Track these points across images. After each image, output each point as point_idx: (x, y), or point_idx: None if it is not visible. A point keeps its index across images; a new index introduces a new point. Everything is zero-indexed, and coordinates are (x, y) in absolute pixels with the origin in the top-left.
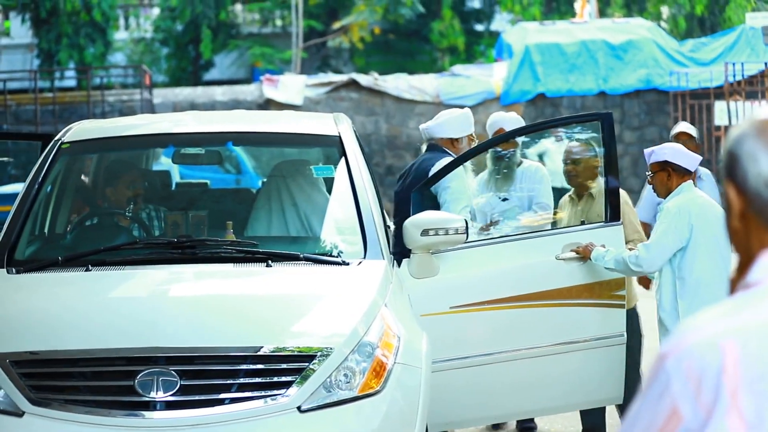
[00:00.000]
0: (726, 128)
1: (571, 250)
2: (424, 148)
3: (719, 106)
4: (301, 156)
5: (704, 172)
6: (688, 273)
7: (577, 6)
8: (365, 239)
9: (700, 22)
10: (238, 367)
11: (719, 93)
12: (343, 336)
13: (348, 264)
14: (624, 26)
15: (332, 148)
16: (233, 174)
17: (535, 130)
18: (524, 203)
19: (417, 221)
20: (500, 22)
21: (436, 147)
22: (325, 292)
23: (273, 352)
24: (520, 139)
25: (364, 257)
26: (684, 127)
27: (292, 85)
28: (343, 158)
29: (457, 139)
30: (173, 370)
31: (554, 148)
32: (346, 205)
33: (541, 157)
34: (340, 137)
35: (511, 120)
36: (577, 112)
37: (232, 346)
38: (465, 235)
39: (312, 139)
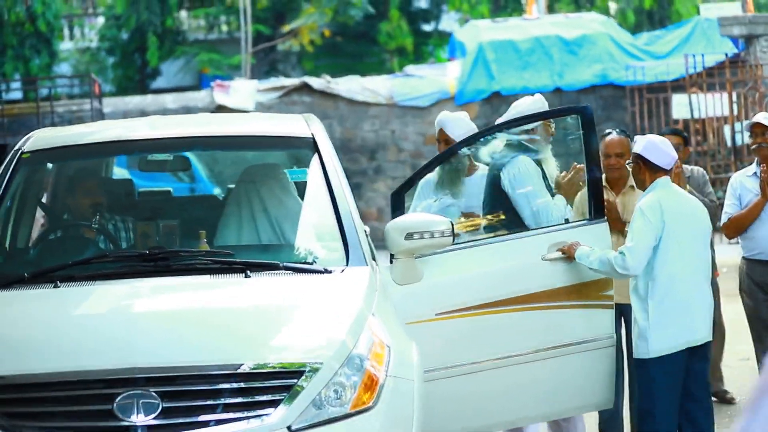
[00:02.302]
0: (686, 121)
1: (557, 250)
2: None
3: (677, 100)
4: (270, 159)
5: None
6: (658, 272)
7: (525, 3)
8: (347, 245)
9: (648, 16)
10: (223, 386)
11: (676, 86)
12: (331, 349)
13: (330, 272)
14: (577, 21)
15: (305, 150)
16: (186, 183)
17: (514, 125)
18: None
19: (400, 224)
20: (448, 21)
21: (512, 142)
22: (309, 303)
23: (258, 368)
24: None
25: (347, 264)
26: (760, 117)
27: (243, 91)
28: (318, 160)
29: (530, 130)
30: (154, 392)
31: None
32: (324, 210)
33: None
34: (313, 138)
35: (455, 120)
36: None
37: (216, 364)
38: (451, 237)
39: (285, 142)
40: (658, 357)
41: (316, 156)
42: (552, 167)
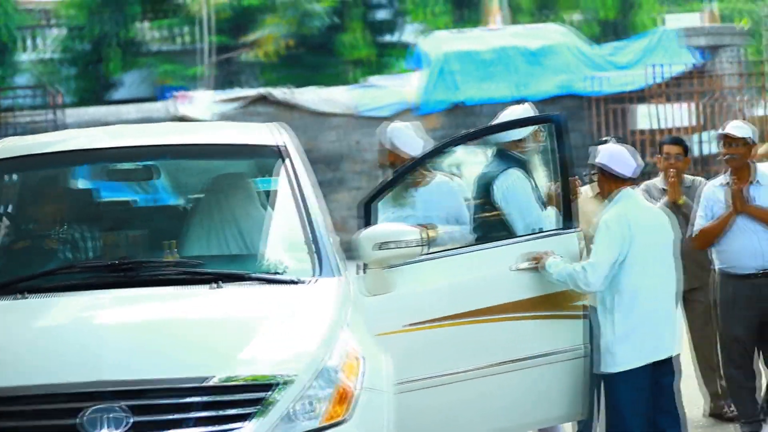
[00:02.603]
0: (651, 131)
1: (527, 260)
2: (489, 153)
3: (640, 110)
4: (238, 168)
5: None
6: (624, 285)
7: (487, 14)
8: (318, 255)
9: (609, 27)
10: (193, 400)
11: (638, 97)
12: (303, 362)
13: (301, 283)
14: (540, 32)
15: (275, 158)
16: (147, 193)
17: (485, 134)
18: (443, 220)
19: (370, 235)
20: (409, 33)
21: (503, 152)
22: (280, 314)
23: (227, 381)
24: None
25: (318, 275)
26: (730, 128)
27: (203, 101)
28: (288, 169)
29: (521, 140)
30: (122, 406)
31: (469, 159)
32: (294, 220)
33: (456, 168)
34: (284, 147)
35: (401, 130)
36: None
37: (185, 377)
38: (422, 247)
39: (254, 150)
40: (624, 371)
41: (286, 165)
42: (540, 176)
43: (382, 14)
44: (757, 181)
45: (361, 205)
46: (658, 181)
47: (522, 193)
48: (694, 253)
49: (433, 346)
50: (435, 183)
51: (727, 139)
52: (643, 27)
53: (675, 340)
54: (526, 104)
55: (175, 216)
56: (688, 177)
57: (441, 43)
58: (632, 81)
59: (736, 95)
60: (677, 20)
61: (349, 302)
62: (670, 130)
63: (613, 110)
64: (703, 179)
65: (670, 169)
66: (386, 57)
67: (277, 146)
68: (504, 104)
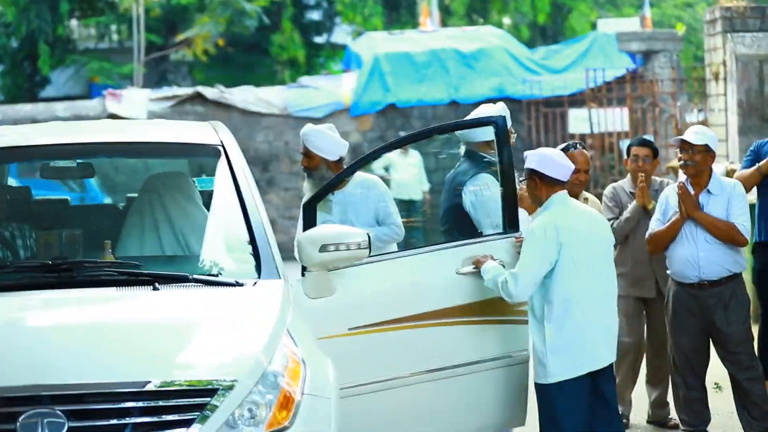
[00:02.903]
0: (583, 136)
1: (472, 263)
2: (462, 151)
3: (574, 114)
4: (175, 167)
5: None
6: (556, 295)
7: (419, 16)
8: (259, 257)
9: (542, 31)
10: (131, 405)
11: (573, 101)
12: (244, 366)
13: (242, 285)
14: (474, 34)
15: (214, 157)
16: (77, 192)
17: (425, 136)
18: (364, 222)
19: (313, 236)
20: (340, 33)
21: (473, 153)
22: (220, 317)
23: (166, 386)
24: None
25: (259, 277)
26: (688, 134)
27: (135, 100)
28: (227, 169)
29: (492, 141)
30: (60, 411)
31: (400, 161)
32: (234, 220)
33: (386, 170)
34: (222, 146)
35: (318, 133)
36: (428, 123)
37: (123, 382)
38: (367, 250)
39: (193, 149)
40: (558, 382)
41: (225, 164)
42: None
43: (314, 15)
44: (708, 190)
45: (305, 207)
46: (625, 184)
47: (491, 198)
48: (658, 262)
49: (374, 351)
50: (354, 184)
51: (685, 145)
52: (575, 32)
53: (612, 347)
54: (500, 103)
55: (111, 215)
56: (656, 179)
57: (375, 44)
58: (567, 85)
59: (670, 101)
60: (611, 25)
61: (290, 305)
62: (604, 135)
63: (547, 114)
64: (671, 182)
65: (639, 172)
66: (318, 58)
67: (217, 145)
68: (435, 107)
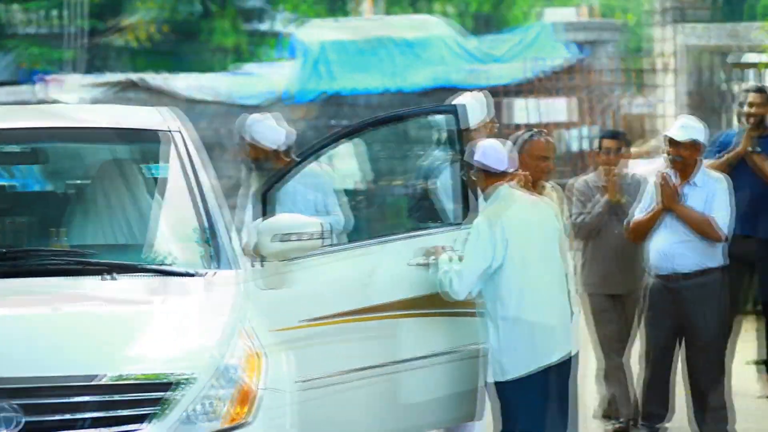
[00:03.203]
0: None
1: (424, 255)
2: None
3: (517, 104)
4: (127, 153)
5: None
6: (505, 291)
7: (363, 4)
8: (216, 247)
9: (485, 21)
10: (86, 399)
11: (516, 90)
12: (202, 359)
13: (198, 275)
14: (418, 23)
15: (168, 144)
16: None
17: (383, 122)
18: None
19: (269, 226)
20: (282, 21)
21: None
22: (176, 309)
23: (120, 380)
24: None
25: (217, 267)
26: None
27: (75, 85)
28: (183, 155)
29: (468, 129)
30: (13, 405)
31: (343, 150)
32: (191, 209)
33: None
34: (179, 132)
35: (258, 122)
36: (373, 112)
37: (77, 375)
38: (321, 240)
39: (147, 135)
40: (513, 380)
41: (180, 150)
42: None
43: (253, 2)
44: (694, 182)
45: (259, 195)
46: (594, 178)
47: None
48: (630, 258)
49: (325, 345)
50: (297, 175)
51: (671, 141)
52: (516, 21)
53: (567, 340)
54: (481, 92)
55: (61, 202)
56: (628, 173)
57: (318, 31)
58: (509, 74)
59: (614, 91)
60: (556, 14)
61: (248, 297)
62: (547, 125)
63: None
64: (641, 175)
65: (609, 165)
66: (258, 45)
67: (170, 131)
68: (381, 95)
